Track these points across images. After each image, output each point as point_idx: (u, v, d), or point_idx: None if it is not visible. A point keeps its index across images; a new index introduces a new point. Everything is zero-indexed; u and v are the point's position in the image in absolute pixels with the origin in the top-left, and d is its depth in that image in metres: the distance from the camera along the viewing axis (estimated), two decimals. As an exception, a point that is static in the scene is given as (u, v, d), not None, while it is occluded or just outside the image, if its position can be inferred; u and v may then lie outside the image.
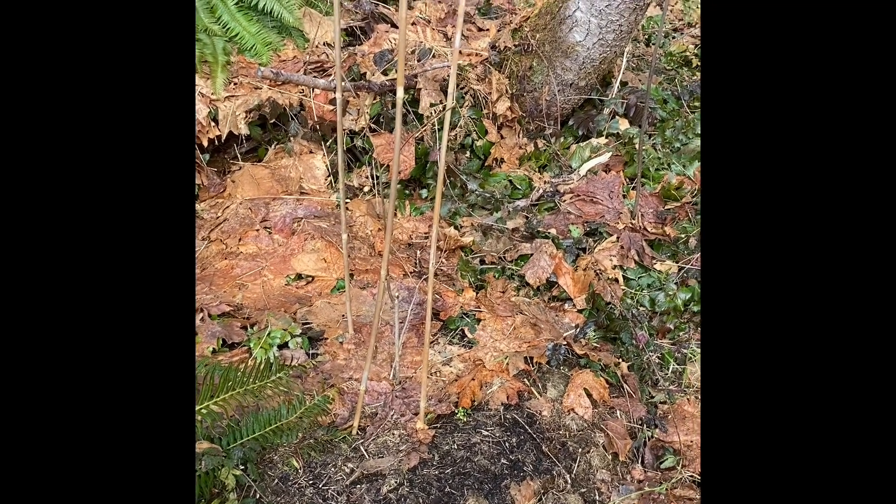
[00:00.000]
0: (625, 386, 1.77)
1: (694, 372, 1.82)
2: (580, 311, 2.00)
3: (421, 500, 1.45)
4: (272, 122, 2.52)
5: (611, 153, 2.52)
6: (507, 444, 1.59)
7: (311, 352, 1.81)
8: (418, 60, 2.54)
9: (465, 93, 2.53)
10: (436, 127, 2.41)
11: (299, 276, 2.11)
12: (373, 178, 2.45)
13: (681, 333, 1.95)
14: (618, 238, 2.14)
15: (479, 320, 1.94)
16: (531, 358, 1.81)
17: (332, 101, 2.49)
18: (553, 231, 2.21)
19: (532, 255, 2.11)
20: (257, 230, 2.25)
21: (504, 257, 2.18)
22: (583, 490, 1.53)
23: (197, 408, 1.41)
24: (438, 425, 1.62)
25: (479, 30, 2.92)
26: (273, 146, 2.54)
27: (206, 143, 2.36)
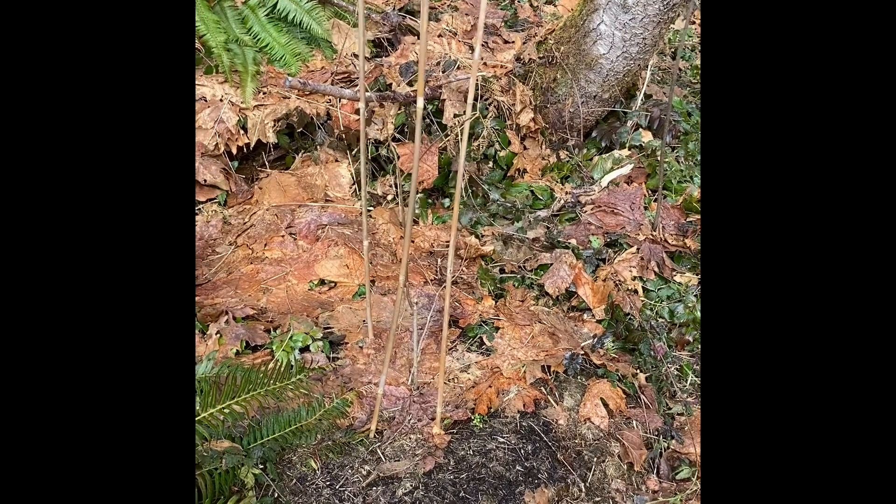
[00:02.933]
0: (642, 397, 1.77)
1: (712, 384, 1.82)
2: (599, 322, 2.00)
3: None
4: (299, 130, 2.58)
5: (633, 165, 2.53)
6: (522, 452, 1.60)
7: (331, 355, 1.84)
8: (443, 72, 2.57)
9: (489, 104, 2.56)
10: (459, 137, 2.44)
11: (322, 282, 2.15)
12: (396, 187, 2.49)
13: (699, 345, 1.94)
14: (638, 249, 2.15)
15: (497, 328, 1.95)
16: (548, 367, 1.82)
17: (358, 111, 2.54)
18: (573, 241, 2.22)
19: (552, 264, 2.12)
20: (283, 236, 2.30)
21: (524, 266, 2.19)
22: (597, 499, 1.53)
23: (219, 407, 1.45)
24: (455, 431, 1.64)
25: (505, 42, 2.95)
26: (300, 154, 2.60)
27: (235, 151, 2.42)
